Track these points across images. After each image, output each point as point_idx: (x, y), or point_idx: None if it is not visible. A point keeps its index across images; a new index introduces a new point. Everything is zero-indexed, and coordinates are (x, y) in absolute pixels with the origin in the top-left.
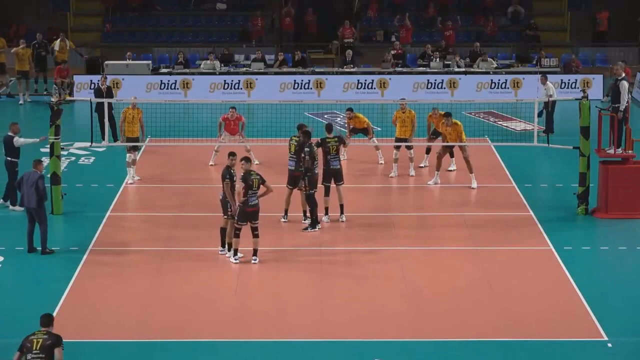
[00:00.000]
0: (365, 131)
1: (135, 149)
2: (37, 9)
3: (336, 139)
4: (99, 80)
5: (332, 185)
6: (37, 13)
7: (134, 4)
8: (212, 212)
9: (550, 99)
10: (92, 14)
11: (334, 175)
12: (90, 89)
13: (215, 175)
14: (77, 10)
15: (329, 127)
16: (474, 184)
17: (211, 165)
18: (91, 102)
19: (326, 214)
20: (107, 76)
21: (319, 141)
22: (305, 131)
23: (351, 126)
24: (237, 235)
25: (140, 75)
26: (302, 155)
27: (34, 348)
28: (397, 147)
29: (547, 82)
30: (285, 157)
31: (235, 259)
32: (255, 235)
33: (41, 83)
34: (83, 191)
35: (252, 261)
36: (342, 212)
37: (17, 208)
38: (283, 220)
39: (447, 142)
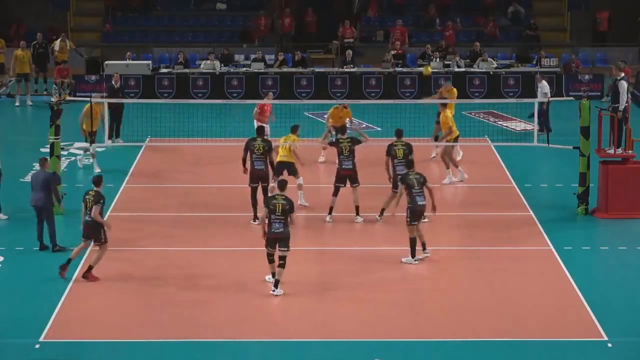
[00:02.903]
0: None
1: (94, 140)
2: (37, 9)
3: (349, 139)
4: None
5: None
6: (37, 13)
7: (134, 4)
8: (212, 212)
9: (548, 98)
10: (92, 14)
11: (347, 176)
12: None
13: (215, 176)
14: (77, 10)
15: (344, 127)
16: (447, 180)
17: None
18: (90, 100)
19: (329, 213)
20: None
21: (332, 141)
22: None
23: (330, 123)
24: (269, 261)
25: (140, 75)
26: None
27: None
28: None
29: (543, 80)
30: None
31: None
32: (280, 265)
33: (41, 83)
34: (83, 191)
35: (271, 292)
36: (357, 213)
37: (2, 216)
38: (253, 222)
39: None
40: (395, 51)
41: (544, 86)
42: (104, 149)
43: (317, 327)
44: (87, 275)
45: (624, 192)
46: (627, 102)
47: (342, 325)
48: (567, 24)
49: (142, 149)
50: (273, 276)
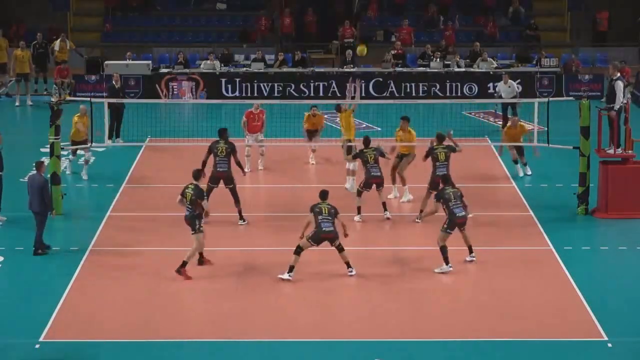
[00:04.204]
0: (315, 133)
1: (74, 151)
2: (37, 9)
3: (374, 149)
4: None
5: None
6: (37, 13)
7: (134, 4)
8: (212, 212)
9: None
10: (92, 14)
11: (375, 183)
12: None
13: None
14: (77, 10)
15: (366, 140)
16: (392, 195)
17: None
18: (91, 102)
19: (359, 213)
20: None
21: (357, 153)
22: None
23: (306, 127)
24: (297, 253)
25: (140, 75)
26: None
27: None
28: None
29: (510, 80)
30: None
31: (289, 276)
32: (341, 252)
33: (41, 83)
34: (83, 191)
35: (349, 274)
36: (385, 209)
37: (1, 218)
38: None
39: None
40: (396, 51)
41: (513, 86)
42: (104, 149)
43: (317, 327)
44: (181, 270)
45: (624, 192)
46: (626, 102)
47: (342, 325)
48: (567, 24)
49: (142, 149)
50: (290, 270)
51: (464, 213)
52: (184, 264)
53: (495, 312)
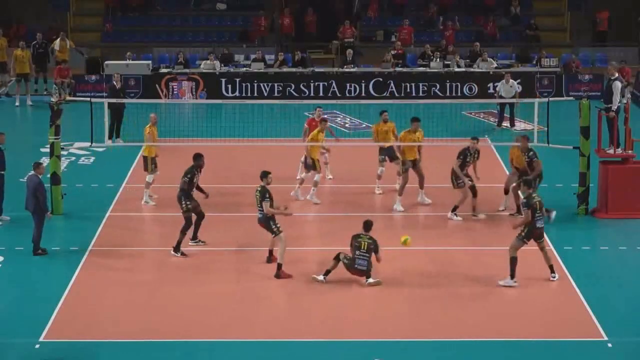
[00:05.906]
0: (390, 153)
1: (154, 166)
2: (37, 9)
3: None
4: (112, 79)
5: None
6: (37, 13)
7: (134, 4)
8: (212, 212)
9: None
10: (92, 14)
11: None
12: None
13: (214, 176)
14: (77, 10)
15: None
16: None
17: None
18: (91, 102)
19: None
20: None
21: None
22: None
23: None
24: (335, 258)
25: (140, 75)
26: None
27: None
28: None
29: (511, 79)
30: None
31: (323, 278)
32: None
33: (41, 83)
34: (83, 191)
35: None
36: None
37: (4, 218)
38: None
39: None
40: (396, 51)
41: (515, 85)
42: (104, 149)
43: (316, 327)
44: (279, 273)
45: (624, 192)
46: (626, 102)
47: (342, 325)
48: (567, 24)
49: (142, 148)
50: (326, 274)
51: (543, 225)
52: (280, 266)
53: (496, 312)
